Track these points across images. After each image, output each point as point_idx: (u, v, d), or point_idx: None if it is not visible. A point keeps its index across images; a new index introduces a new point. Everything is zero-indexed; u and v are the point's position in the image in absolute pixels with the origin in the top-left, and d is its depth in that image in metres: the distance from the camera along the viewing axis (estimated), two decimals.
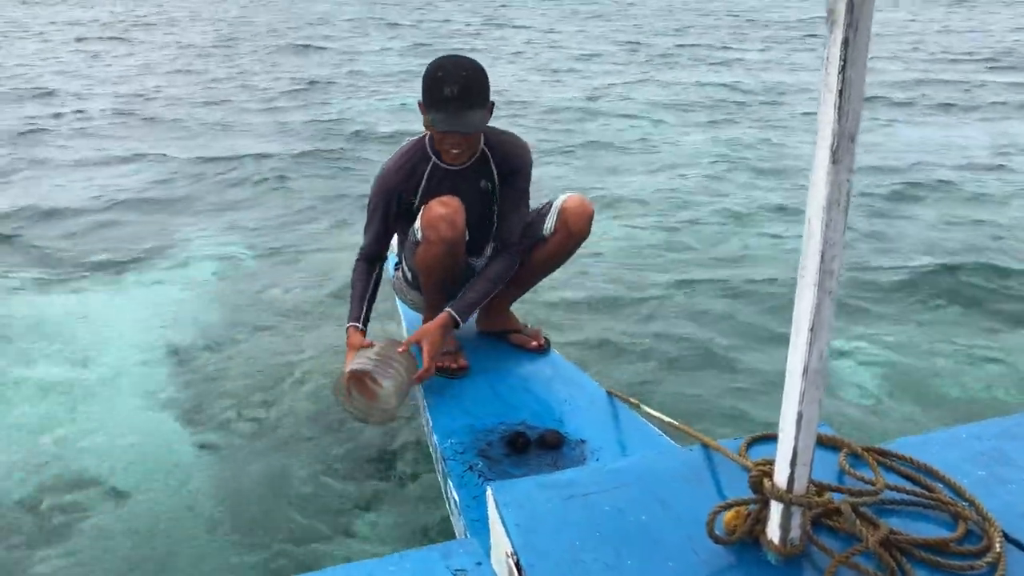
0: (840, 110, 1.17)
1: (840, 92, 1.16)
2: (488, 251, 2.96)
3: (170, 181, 7.55)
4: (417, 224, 2.74)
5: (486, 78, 2.62)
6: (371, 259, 2.90)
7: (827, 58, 1.17)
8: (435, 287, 2.88)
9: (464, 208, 2.70)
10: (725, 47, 17.33)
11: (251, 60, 15.59)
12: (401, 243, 3.00)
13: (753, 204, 6.64)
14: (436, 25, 22.05)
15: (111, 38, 19.06)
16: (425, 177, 2.77)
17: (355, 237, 4.76)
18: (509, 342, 3.07)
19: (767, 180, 7.39)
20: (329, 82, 12.93)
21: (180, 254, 5.65)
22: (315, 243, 5.84)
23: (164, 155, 8.39)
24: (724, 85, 12.55)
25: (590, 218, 2.88)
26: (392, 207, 2.81)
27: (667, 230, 6.01)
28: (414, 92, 2.90)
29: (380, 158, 6.20)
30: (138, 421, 3.53)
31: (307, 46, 17.48)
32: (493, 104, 2.65)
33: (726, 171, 7.74)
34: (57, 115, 10.52)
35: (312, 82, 12.89)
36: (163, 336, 4.33)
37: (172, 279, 5.21)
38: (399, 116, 10.34)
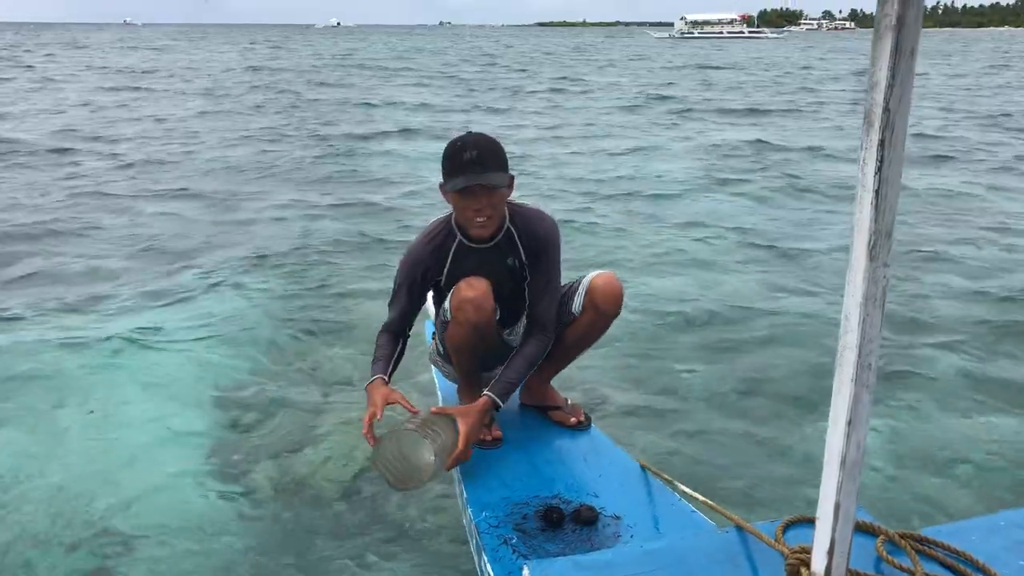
0: (877, 208, 1.20)
1: (877, 191, 1.19)
2: (522, 322, 2.98)
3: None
4: (447, 304, 2.76)
5: (503, 149, 2.66)
6: (395, 333, 2.88)
7: (863, 159, 1.20)
8: (466, 363, 2.91)
9: (492, 287, 2.71)
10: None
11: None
12: (436, 314, 3.01)
13: (787, 277, 6.64)
14: None
15: None
16: (451, 255, 2.78)
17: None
18: (549, 419, 3.08)
19: (801, 256, 7.39)
20: None
21: (209, 296, 5.82)
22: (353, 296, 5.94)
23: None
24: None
25: (619, 297, 2.87)
26: (417, 285, 2.83)
27: (703, 301, 6.02)
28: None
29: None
30: (162, 473, 3.58)
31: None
32: (513, 177, 2.69)
33: (759, 242, 7.78)
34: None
35: None
36: (189, 383, 4.43)
37: (203, 323, 5.35)
38: None
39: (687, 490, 2.38)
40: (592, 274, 2.93)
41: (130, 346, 4.98)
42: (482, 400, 2.73)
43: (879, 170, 1.19)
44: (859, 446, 1.31)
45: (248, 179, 10.66)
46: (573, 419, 3.03)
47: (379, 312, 5.54)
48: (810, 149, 13.45)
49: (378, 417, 2.66)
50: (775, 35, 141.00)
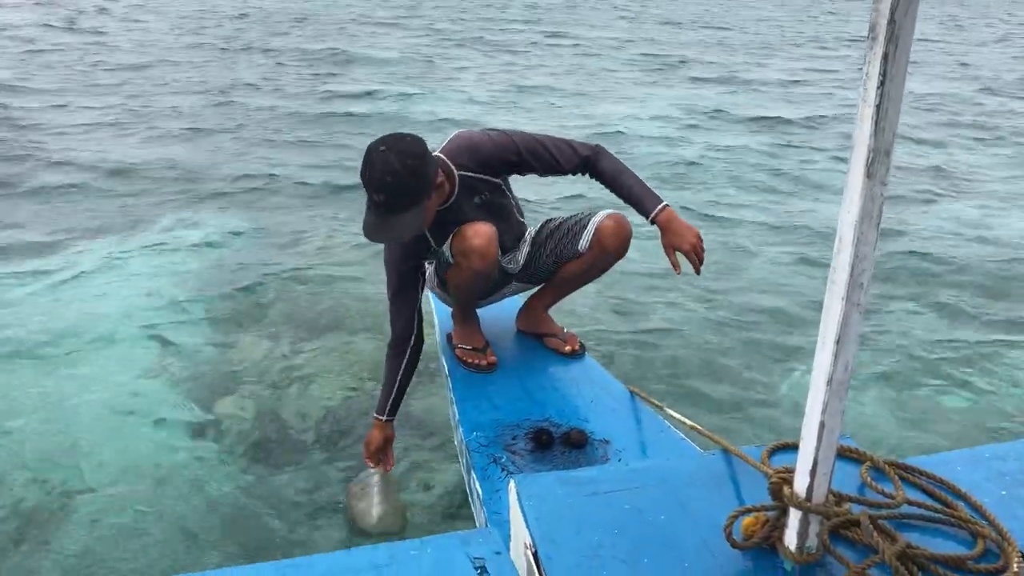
0: (877, 125, 1.18)
1: (878, 107, 1.17)
2: (521, 248, 2.97)
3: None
4: (447, 248, 2.69)
5: (419, 173, 2.36)
6: (400, 344, 2.76)
7: (866, 73, 1.18)
8: (465, 299, 2.89)
9: (495, 231, 2.64)
10: None
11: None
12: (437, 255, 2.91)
13: (789, 220, 6.61)
14: None
15: None
16: (428, 233, 2.68)
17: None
18: (544, 345, 3.09)
19: (806, 197, 7.36)
20: None
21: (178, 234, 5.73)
22: (327, 246, 5.87)
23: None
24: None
25: (628, 238, 2.83)
26: (409, 277, 2.75)
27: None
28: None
29: None
30: (128, 423, 3.51)
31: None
32: (432, 185, 2.43)
33: (762, 183, 7.71)
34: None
35: None
36: (160, 321, 4.37)
37: (169, 259, 5.27)
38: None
39: (677, 415, 2.40)
40: (602, 214, 2.86)
41: (86, 304, 4.80)
42: (666, 212, 2.60)
43: (881, 84, 1.16)
44: (847, 366, 1.31)
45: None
46: (568, 347, 3.04)
47: (349, 259, 5.65)
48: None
49: (370, 467, 2.82)
50: None
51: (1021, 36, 24.61)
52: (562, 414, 2.63)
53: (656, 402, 2.59)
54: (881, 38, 1.15)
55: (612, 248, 2.83)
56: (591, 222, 2.85)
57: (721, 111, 11.17)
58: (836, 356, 1.29)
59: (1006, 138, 10.21)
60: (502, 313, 3.22)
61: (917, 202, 7.19)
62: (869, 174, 1.20)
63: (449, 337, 3.04)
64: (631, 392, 2.75)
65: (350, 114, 10.23)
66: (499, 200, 2.79)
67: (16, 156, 7.70)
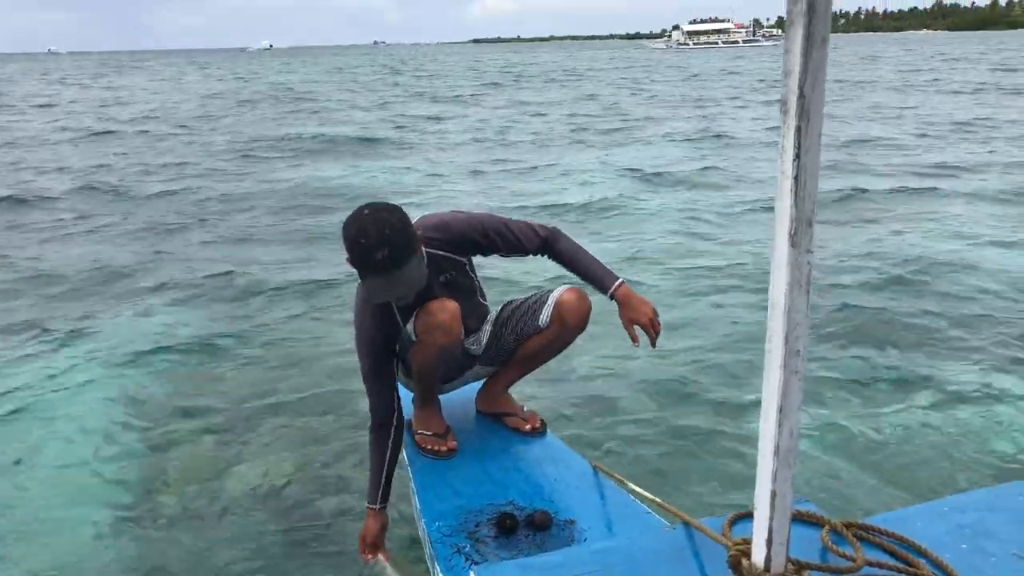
0: (797, 195, 1.22)
1: (795, 178, 1.21)
2: (484, 328, 2.97)
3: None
4: (410, 326, 2.68)
5: (408, 223, 2.43)
6: (383, 426, 2.74)
7: (782, 147, 1.22)
8: (428, 379, 2.86)
9: (459, 308, 2.66)
10: None
11: None
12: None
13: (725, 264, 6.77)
14: None
15: None
16: (396, 311, 2.68)
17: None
18: (505, 425, 3.07)
19: (730, 247, 7.54)
20: None
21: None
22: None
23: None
24: None
25: (587, 313, 2.85)
26: (382, 356, 2.73)
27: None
28: None
29: None
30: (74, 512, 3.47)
31: None
32: (420, 238, 2.49)
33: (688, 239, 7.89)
34: None
35: None
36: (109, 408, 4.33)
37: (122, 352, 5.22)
38: None
39: (639, 490, 2.39)
40: (560, 289, 2.89)
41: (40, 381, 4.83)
42: (622, 288, 2.69)
43: (797, 157, 1.20)
44: (792, 433, 1.32)
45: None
46: (528, 426, 3.02)
47: (304, 327, 5.68)
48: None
49: (368, 560, 2.78)
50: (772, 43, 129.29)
51: None
52: (526, 496, 2.60)
53: (619, 477, 2.57)
54: (793, 112, 1.19)
55: (573, 323, 2.84)
56: (551, 297, 2.88)
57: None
58: (780, 424, 1.30)
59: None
60: (460, 395, 3.20)
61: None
62: (793, 243, 1.23)
63: (409, 424, 3.00)
64: (594, 468, 2.72)
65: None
66: (463, 280, 2.81)
67: None
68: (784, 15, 1.19)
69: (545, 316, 2.87)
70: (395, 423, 2.75)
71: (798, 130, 1.20)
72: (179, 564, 3.09)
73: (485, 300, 2.97)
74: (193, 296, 6.60)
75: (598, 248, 6.77)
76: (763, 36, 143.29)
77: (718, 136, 16.41)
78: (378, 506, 2.75)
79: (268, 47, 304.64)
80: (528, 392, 4.23)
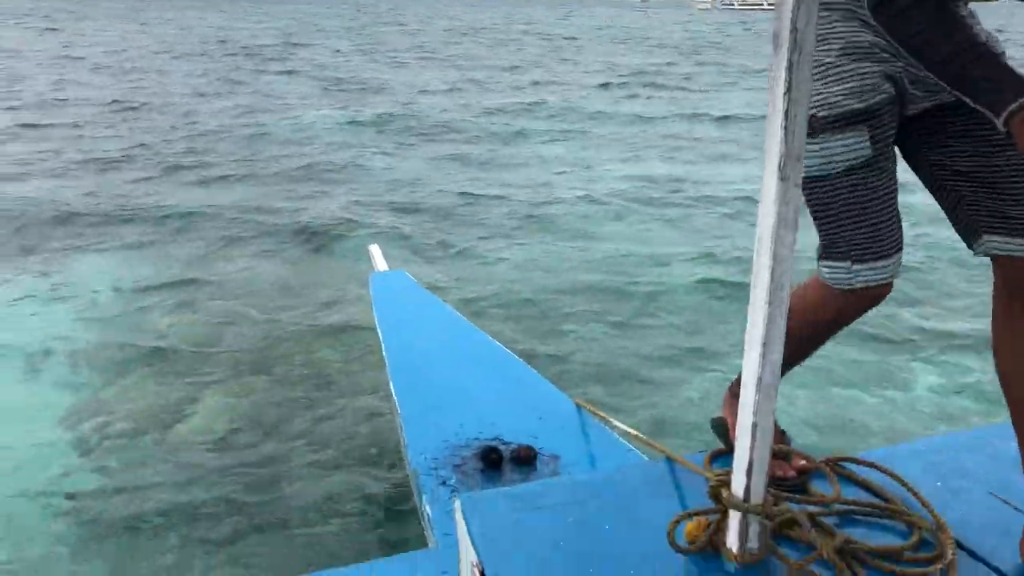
0: (787, 130, 1.22)
1: (786, 113, 1.21)
2: None
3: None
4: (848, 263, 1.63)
5: None
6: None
7: (772, 81, 1.21)
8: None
9: None
10: None
11: None
12: None
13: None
14: None
15: None
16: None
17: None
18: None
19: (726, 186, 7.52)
20: None
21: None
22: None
23: None
24: None
25: None
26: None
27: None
28: None
29: None
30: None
31: None
32: None
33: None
34: None
35: None
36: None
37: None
38: None
39: (622, 426, 2.42)
40: None
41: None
42: None
43: (788, 91, 1.20)
44: (774, 367, 1.33)
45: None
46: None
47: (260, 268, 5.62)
48: None
49: None
50: None
51: None
52: (511, 432, 2.63)
53: (602, 414, 2.61)
54: (785, 48, 1.19)
55: None
56: None
57: None
58: (763, 358, 1.31)
59: None
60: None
61: None
62: (782, 177, 1.23)
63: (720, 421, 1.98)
64: (577, 405, 2.76)
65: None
66: None
67: None
68: None
69: None
70: None
71: (789, 65, 1.19)
72: (126, 504, 3.12)
73: None
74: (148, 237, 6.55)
75: None
76: None
77: None
78: None
79: None
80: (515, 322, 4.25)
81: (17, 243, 6.46)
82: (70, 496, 3.17)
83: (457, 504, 1.65)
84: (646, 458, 2.38)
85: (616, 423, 2.47)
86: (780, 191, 1.23)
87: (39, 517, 3.07)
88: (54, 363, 4.28)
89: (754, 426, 1.36)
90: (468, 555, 1.57)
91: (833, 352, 4.37)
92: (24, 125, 11.56)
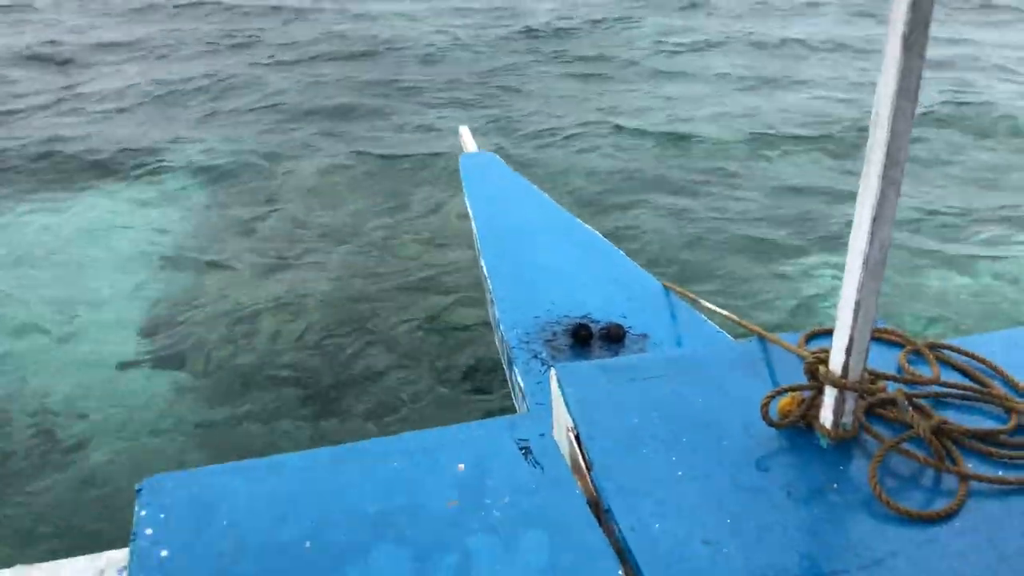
0: None
1: None
2: None
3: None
4: None
5: None
6: None
7: None
8: None
9: None
10: None
11: None
12: None
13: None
14: None
15: None
16: None
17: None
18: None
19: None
20: None
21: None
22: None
23: None
24: None
25: None
26: None
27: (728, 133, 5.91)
28: None
29: None
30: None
31: None
32: None
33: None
34: None
35: None
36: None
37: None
38: None
39: (711, 307, 2.43)
40: None
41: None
42: None
43: None
44: (883, 245, 1.31)
45: None
46: None
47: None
48: None
49: None
50: None
51: None
52: (600, 310, 2.67)
53: (691, 295, 2.61)
54: None
55: None
56: None
57: None
58: (872, 235, 1.29)
59: None
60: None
61: None
62: (907, 46, 1.18)
63: None
64: (666, 287, 2.77)
65: None
66: None
67: None
68: None
69: None
70: None
71: None
72: (209, 391, 3.28)
73: None
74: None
75: None
76: None
77: None
78: None
79: None
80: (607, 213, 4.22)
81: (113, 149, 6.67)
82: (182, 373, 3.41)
83: (553, 373, 1.70)
84: (735, 340, 2.39)
85: (705, 303, 2.47)
86: (903, 62, 1.18)
87: (153, 395, 3.31)
88: (158, 256, 4.48)
89: (857, 304, 1.35)
90: (563, 420, 1.63)
91: (928, 240, 4.25)
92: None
